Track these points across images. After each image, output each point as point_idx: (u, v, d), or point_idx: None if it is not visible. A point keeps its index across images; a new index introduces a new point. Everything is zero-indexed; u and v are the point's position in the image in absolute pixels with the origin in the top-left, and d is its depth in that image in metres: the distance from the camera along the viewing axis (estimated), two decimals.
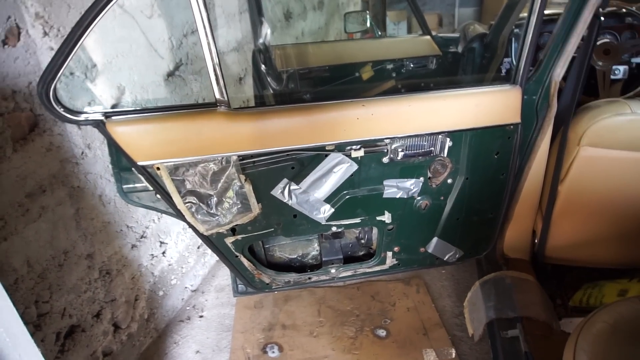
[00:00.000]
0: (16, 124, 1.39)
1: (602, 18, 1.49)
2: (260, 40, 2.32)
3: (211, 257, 2.63)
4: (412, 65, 2.48)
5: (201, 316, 2.31)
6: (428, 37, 2.55)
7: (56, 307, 1.58)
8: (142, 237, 2.03)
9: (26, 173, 1.44)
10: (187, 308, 2.36)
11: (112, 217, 1.83)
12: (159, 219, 2.14)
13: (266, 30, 2.33)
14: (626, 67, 2.05)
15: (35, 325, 1.51)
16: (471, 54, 2.38)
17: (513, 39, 2.10)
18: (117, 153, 1.44)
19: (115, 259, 1.87)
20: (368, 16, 2.68)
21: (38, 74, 1.44)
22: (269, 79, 2.24)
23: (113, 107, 1.72)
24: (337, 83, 2.40)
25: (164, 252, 2.20)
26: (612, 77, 2.04)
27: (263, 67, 2.27)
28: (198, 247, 2.50)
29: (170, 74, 2.08)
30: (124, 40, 1.78)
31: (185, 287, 2.41)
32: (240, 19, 2.74)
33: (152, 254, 2.11)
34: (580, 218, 1.78)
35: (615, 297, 1.75)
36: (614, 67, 2.02)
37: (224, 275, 2.58)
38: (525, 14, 1.49)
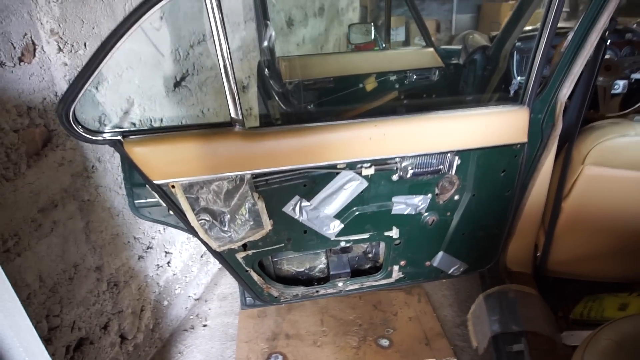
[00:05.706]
0: (30, 139, 1.39)
1: (609, 41, 1.53)
2: (265, 44, 2.32)
3: (214, 265, 2.64)
4: (415, 77, 2.51)
5: (205, 325, 2.32)
6: (431, 49, 2.57)
7: (66, 321, 1.59)
8: (148, 247, 2.04)
9: (39, 188, 1.44)
10: (191, 317, 2.37)
11: (121, 229, 1.84)
12: (164, 229, 2.14)
13: (271, 33, 2.34)
14: (626, 81, 2.09)
15: (46, 340, 1.51)
16: (472, 65, 2.41)
17: (515, 52, 2.14)
18: (129, 169, 1.45)
19: (122, 270, 1.87)
20: (372, 28, 2.70)
21: (52, 89, 1.44)
22: (274, 88, 2.25)
23: (130, 126, 1.73)
24: (341, 94, 2.42)
25: (169, 262, 2.21)
26: (612, 91, 2.08)
27: (267, 72, 2.27)
28: (201, 256, 2.50)
29: (176, 85, 2.08)
30: (133, 53, 1.79)
31: (189, 296, 2.42)
32: (245, 28, 2.75)
33: (157, 264, 2.12)
34: (583, 233, 1.82)
35: (616, 310, 1.79)
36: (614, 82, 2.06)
37: (227, 283, 2.59)
38: (528, 27, 1.51)
